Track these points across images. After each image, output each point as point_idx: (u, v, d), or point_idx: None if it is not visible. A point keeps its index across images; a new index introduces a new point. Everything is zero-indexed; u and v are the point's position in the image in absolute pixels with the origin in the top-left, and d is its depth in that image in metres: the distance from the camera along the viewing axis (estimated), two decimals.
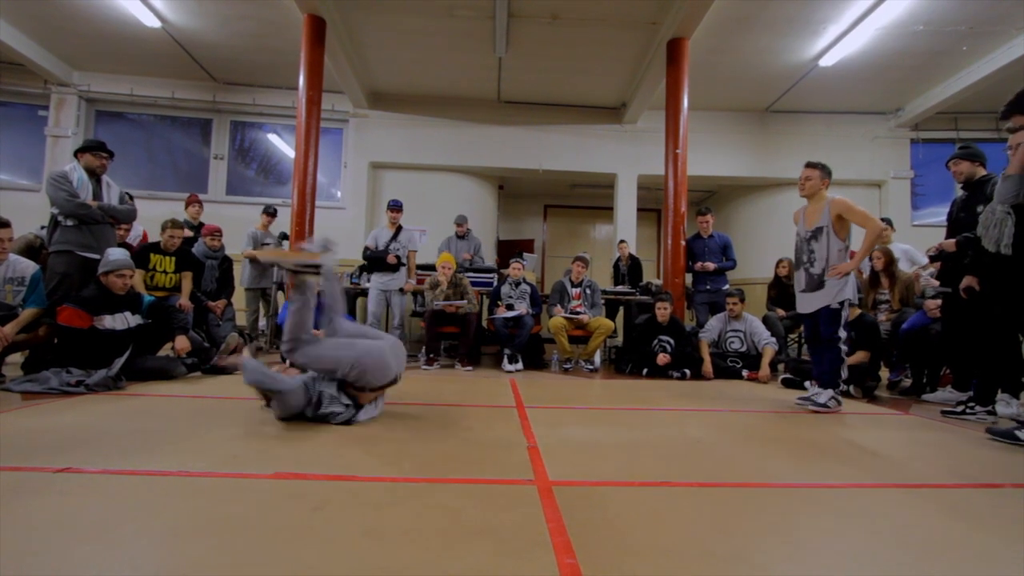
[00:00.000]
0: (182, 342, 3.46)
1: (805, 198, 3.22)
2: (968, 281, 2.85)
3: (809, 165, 3.18)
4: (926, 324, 3.67)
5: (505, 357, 4.65)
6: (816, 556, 1.15)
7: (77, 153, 3.59)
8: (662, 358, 4.40)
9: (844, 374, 3.07)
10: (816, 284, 3.09)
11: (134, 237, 4.70)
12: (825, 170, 3.16)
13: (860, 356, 3.70)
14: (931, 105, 6.80)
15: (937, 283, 3.69)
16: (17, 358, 3.30)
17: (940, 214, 7.45)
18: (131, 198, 4.07)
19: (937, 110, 6.89)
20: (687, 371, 4.38)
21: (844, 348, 3.03)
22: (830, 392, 2.98)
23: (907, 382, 3.98)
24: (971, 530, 1.31)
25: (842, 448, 2.16)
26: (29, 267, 3.13)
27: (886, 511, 1.43)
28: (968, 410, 2.86)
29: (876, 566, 1.11)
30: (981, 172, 3.15)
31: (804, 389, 3.65)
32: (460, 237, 5.99)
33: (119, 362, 2.97)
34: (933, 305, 3.60)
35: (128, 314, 3.26)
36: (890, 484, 1.67)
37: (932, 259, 4.15)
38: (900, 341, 3.85)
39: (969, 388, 3.18)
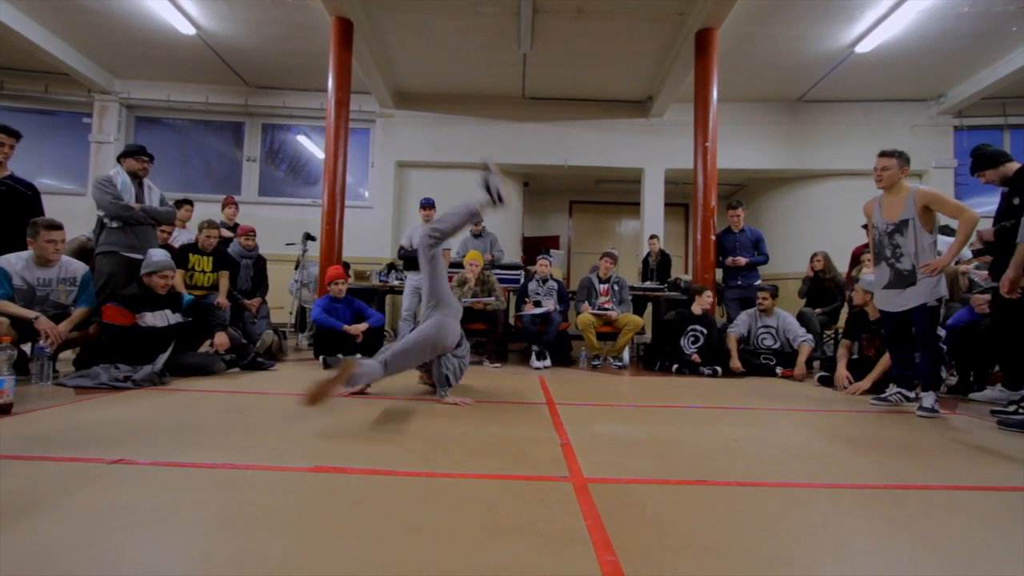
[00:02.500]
0: (222, 338, 3.57)
1: (882, 190, 3.03)
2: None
3: (884, 154, 2.98)
4: (973, 320, 3.51)
5: (533, 354, 4.65)
6: (864, 557, 1.12)
7: (120, 158, 3.73)
8: (695, 358, 4.35)
9: (944, 375, 2.90)
10: (906, 281, 2.93)
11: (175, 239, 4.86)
12: (903, 157, 2.96)
13: None
14: (976, 91, 6.49)
15: (988, 275, 3.53)
16: (69, 355, 3.47)
17: (985, 204, 7.07)
18: (183, 205, 4.20)
19: (983, 95, 6.56)
20: (718, 368, 4.31)
21: (944, 348, 2.86)
22: (934, 395, 2.82)
23: (952, 380, 3.83)
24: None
25: (886, 446, 2.09)
26: (80, 268, 3.28)
27: (938, 514, 1.38)
28: (1021, 409, 2.72)
29: (925, 568, 1.08)
30: (1012, 166, 3.01)
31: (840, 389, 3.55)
32: (476, 236, 5.88)
33: (162, 358, 3.09)
34: (982, 300, 3.44)
35: (168, 312, 3.38)
36: (939, 486, 1.61)
37: (977, 252, 3.97)
38: (945, 337, 3.70)
39: (1021, 386, 3.04)
